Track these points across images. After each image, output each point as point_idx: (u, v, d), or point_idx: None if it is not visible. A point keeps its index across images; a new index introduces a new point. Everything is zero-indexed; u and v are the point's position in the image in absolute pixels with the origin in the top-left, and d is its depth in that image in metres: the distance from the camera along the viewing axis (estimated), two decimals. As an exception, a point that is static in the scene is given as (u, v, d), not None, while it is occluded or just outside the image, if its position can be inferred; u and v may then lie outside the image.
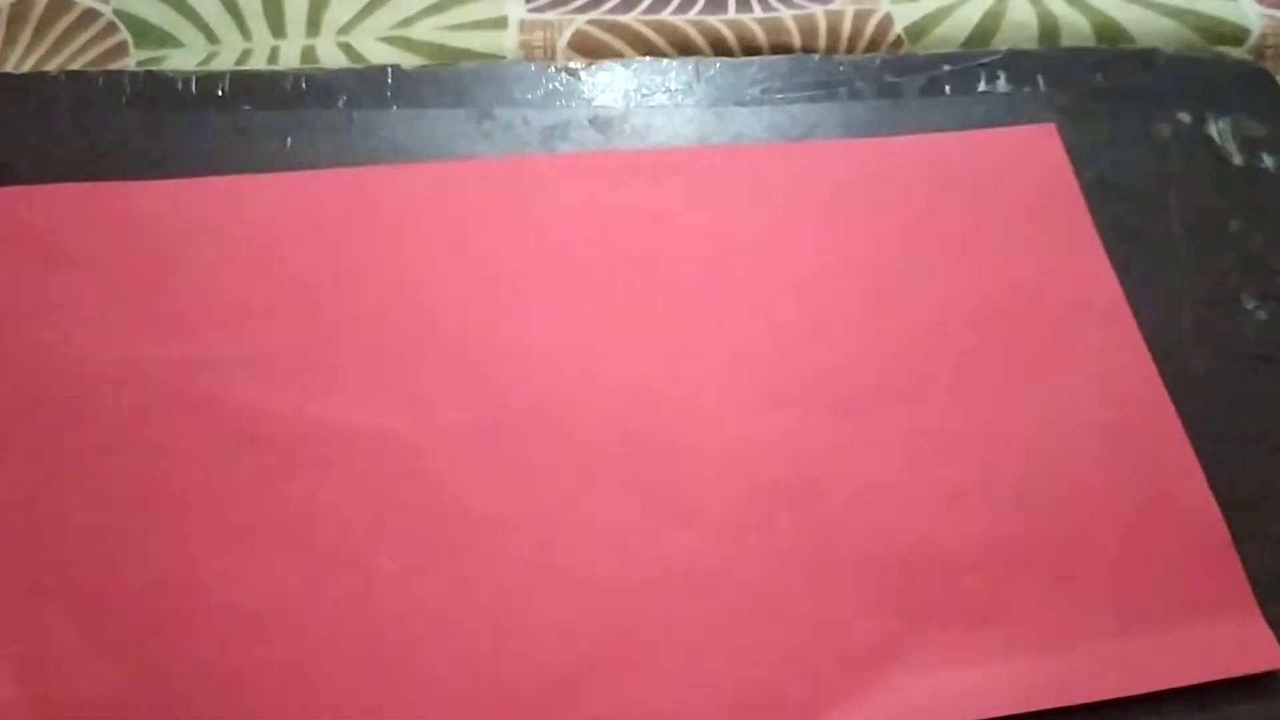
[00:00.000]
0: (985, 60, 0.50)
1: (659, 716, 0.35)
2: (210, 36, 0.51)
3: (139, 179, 0.44)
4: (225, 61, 0.50)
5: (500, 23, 0.52)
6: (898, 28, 0.52)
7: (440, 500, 0.39)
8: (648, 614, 0.37)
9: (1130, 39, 0.52)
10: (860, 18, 0.52)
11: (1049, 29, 0.52)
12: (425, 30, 0.51)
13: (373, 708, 0.35)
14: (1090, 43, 0.52)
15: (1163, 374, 0.42)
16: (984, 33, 0.52)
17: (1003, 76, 0.49)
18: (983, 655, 0.37)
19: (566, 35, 0.51)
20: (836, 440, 0.41)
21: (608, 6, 0.52)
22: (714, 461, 0.40)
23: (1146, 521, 0.40)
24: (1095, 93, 0.49)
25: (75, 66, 0.50)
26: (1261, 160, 0.48)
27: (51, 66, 0.50)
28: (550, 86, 0.48)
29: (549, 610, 0.37)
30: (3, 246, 0.42)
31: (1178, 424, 0.41)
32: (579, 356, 0.42)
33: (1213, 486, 0.40)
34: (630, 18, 0.52)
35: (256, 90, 0.47)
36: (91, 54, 0.50)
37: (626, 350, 0.42)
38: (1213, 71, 0.51)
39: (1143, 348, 0.43)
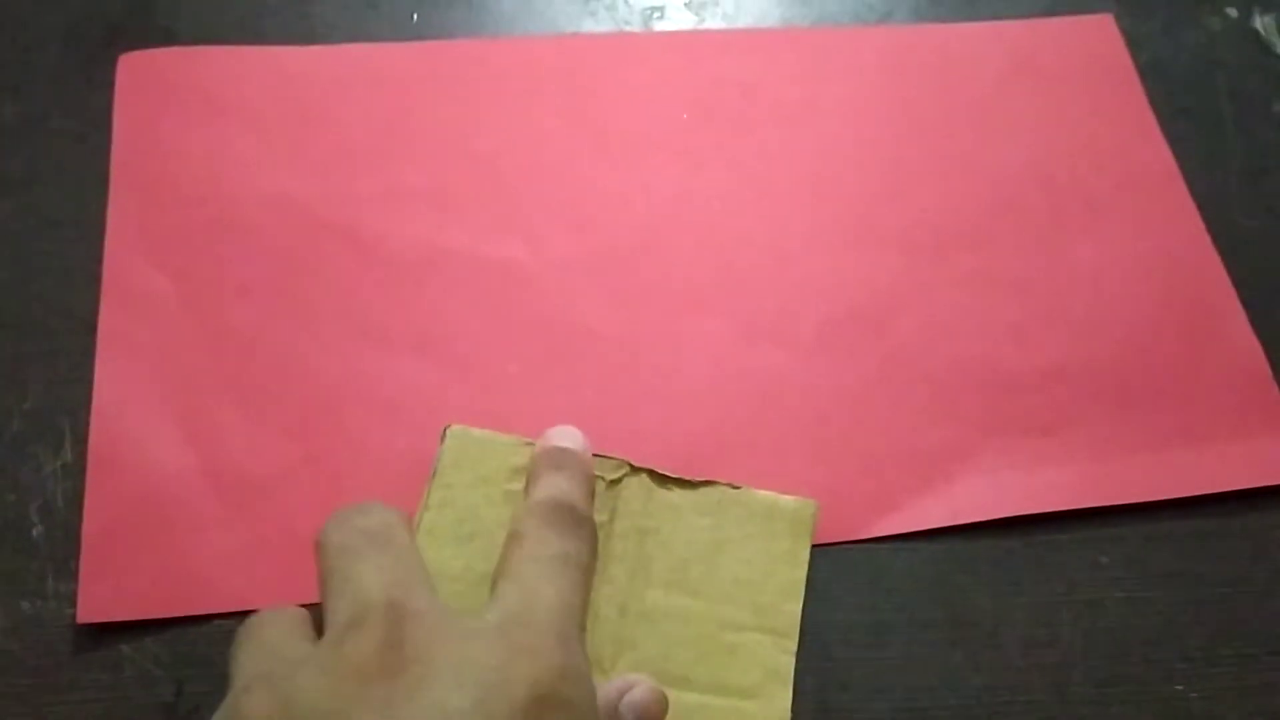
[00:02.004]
0: (1048, -45, 0.54)
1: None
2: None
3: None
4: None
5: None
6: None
7: (555, 317, 0.43)
8: (741, 417, 0.41)
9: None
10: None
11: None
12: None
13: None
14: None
15: (1211, 232, 0.46)
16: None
17: (1065, -29, 0.53)
18: (1042, 461, 0.41)
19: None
20: (910, 277, 0.45)
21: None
22: (801, 293, 0.44)
23: (1194, 353, 0.44)
24: (1149, -12, 0.53)
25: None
26: (1303, 52, 0.52)
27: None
28: (649, -27, 0.53)
29: (651, 412, 0.41)
30: (168, 97, 0.47)
31: (1223, 270, 0.45)
32: (677, 203, 0.46)
33: (1255, 328, 0.44)
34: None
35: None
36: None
37: (720, 198, 0.46)
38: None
39: (1192, 207, 0.47)
